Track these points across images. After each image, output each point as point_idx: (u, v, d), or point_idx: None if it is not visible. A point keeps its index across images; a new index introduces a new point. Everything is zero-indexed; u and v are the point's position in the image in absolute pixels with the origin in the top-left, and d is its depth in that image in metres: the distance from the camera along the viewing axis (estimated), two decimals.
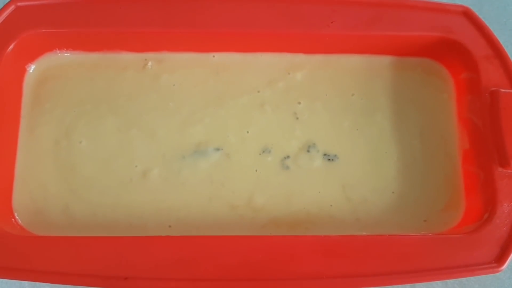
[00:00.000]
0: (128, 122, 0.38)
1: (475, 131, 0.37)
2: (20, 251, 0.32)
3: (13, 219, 0.35)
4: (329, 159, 0.38)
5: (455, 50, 0.37)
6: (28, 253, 0.32)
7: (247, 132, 0.38)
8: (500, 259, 0.33)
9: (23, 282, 0.36)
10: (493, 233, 0.33)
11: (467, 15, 0.37)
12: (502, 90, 0.35)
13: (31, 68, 0.38)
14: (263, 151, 0.38)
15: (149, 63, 0.39)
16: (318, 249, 0.33)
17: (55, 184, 0.36)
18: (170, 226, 0.36)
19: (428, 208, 0.37)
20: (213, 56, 0.39)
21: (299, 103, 0.39)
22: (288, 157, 0.38)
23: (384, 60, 0.40)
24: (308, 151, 0.38)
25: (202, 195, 0.37)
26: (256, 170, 0.37)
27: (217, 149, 0.37)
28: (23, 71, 0.38)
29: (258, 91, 0.39)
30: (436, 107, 0.39)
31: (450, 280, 0.33)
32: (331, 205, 0.37)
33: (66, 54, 0.39)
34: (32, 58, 0.38)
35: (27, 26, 0.36)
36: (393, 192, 0.37)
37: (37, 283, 0.36)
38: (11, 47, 0.36)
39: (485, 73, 0.36)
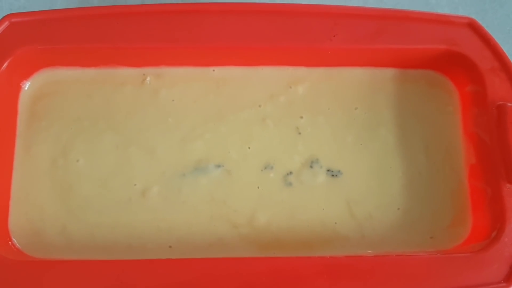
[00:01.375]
0: (126, 139, 0.37)
1: (482, 145, 0.36)
2: (17, 276, 0.31)
3: (10, 242, 0.34)
4: (332, 175, 0.37)
5: (460, 63, 0.37)
6: (26, 278, 0.31)
7: (249, 148, 0.37)
8: (509, 279, 0.32)
9: None
10: (501, 251, 0.33)
11: (472, 26, 0.37)
12: (509, 104, 0.34)
13: (26, 85, 0.37)
14: (265, 167, 0.37)
15: (148, 78, 0.38)
16: (324, 270, 0.32)
17: (52, 204, 0.35)
18: (170, 247, 0.35)
19: (434, 224, 0.36)
20: (213, 70, 0.38)
21: (301, 117, 0.38)
22: (290, 173, 0.37)
23: (388, 73, 0.39)
24: (311, 166, 0.37)
25: (203, 213, 0.36)
26: (258, 187, 0.36)
27: (218, 166, 0.37)
28: (18, 88, 0.37)
29: (259, 106, 0.38)
30: (441, 120, 0.38)
31: None
32: (335, 222, 0.36)
33: (62, 70, 0.38)
34: (27, 75, 0.37)
35: (22, 43, 0.35)
36: (398, 209, 0.36)
37: None
38: (5, 64, 0.35)
39: (491, 86, 0.35)
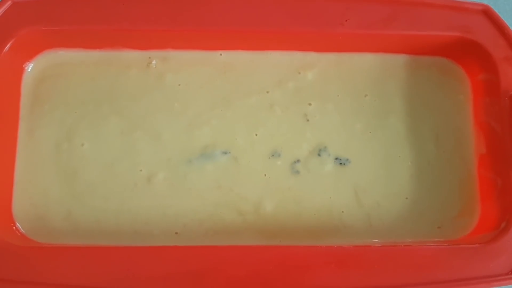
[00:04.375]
0: (132, 124, 0.36)
1: (493, 135, 0.35)
2: (22, 262, 0.31)
3: (14, 227, 0.34)
4: (340, 163, 0.36)
5: (473, 51, 0.36)
6: (31, 264, 0.31)
7: (256, 134, 0.36)
8: None
9: None
10: (510, 243, 0.32)
11: (487, 14, 0.36)
12: None
13: (29, 67, 0.36)
14: (272, 155, 0.36)
15: (153, 62, 0.37)
16: (331, 260, 0.32)
17: (56, 189, 0.35)
18: (176, 233, 0.35)
19: (442, 214, 0.36)
20: (220, 55, 0.38)
21: (310, 104, 0.37)
22: (298, 161, 0.36)
23: (399, 59, 0.38)
24: (319, 154, 0.36)
25: (209, 200, 0.35)
26: (265, 175, 0.36)
27: (225, 153, 0.36)
28: (21, 70, 0.36)
29: (267, 92, 0.37)
30: (451, 109, 0.37)
31: None
32: (342, 211, 0.36)
33: (65, 52, 0.37)
34: (30, 56, 0.36)
35: (24, 23, 0.34)
36: (406, 198, 0.36)
37: None
38: (8, 46, 0.34)
39: (504, 76, 0.35)
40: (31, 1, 0.35)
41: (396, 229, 0.35)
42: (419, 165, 0.36)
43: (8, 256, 0.31)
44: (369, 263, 0.32)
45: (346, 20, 0.35)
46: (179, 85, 0.37)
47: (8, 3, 0.34)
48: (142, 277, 0.31)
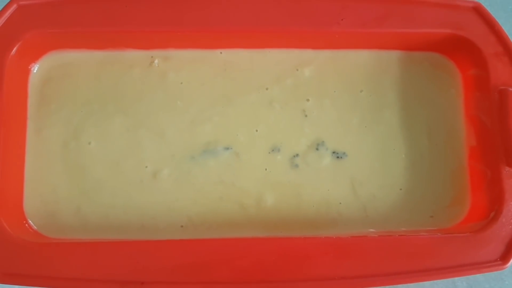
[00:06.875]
0: (136, 122, 0.37)
1: (483, 128, 0.37)
2: (35, 257, 0.33)
3: (26, 224, 0.36)
4: (338, 157, 0.38)
5: (464, 47, 0.37)
6: (44, 259, 0.33)
7: (256, 130, 0.38)
8: (505, 257, 0.34)
9: None
10: (499, 231, 0.34)
11: (478, 11, 0.37)
12: (511, 89, 0.35)
13: (35, 68, 0.37)
14: (272, 150, 0.38)
15: (156, 61, 0.38)
16: (329, 250, 0.33)
17: (65, 186, 0.36)
18: (182, 226, 0.36)
19: (435, 204, 0.37)
20: (220, 53, 0.39)
21: (308, 100, 0.39)
22: (297, 155, 0.38)
23: (393, 55, 0.39)
24: (317, 149, 0.38)
25: (212, 195, 0.37)
26: (266, 169, 0.37)
27: (227, 148, 0.37)
28: (27, 71, 0.37)
29: (266, 88, 0.39)
30: (443, 102, 0.39)
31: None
32: (340, 203, 0.37)
33: (70, 53, 0.38)
34: (35, 57, 0.37)
35: (30, 26, 0.35)
36: (400, 189, 0.38)
37: None
38: (15, 49, 0.35)
39: (494, 71, 0.36)
40: (36, 4, 0.36)
41: (391, 219, 0.37)
42: (412, 157, 0.38)
43: (22, 251, 0.33)
44: (365, 252, 0.33)
45: (342, 19, 0.37)
46: (181, 83, 0.38)
47: (14, 7, 0.35)
48: (150, 269, 0.33)
